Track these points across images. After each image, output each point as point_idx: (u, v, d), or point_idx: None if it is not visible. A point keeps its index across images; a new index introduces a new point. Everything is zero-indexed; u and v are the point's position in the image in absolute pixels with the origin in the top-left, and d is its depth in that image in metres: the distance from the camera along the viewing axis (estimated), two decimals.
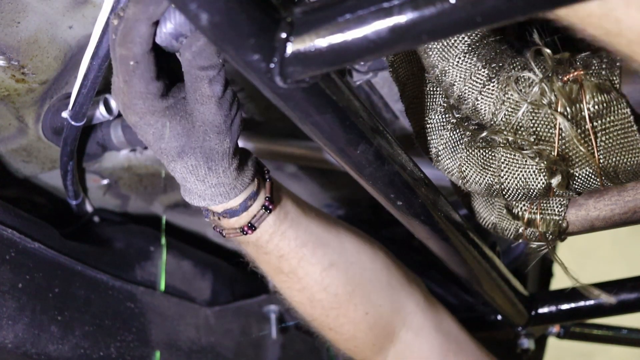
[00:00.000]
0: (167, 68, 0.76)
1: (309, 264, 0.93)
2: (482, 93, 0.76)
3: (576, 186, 0.79)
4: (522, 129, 0.76)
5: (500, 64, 0.75)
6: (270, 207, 0.86)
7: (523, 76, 0.74)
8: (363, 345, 1.03)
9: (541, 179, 0.78)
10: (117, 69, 0.72)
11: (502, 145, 0.79)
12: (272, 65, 0.54)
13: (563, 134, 0.75)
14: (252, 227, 0.86)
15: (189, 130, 0.76)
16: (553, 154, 0.76)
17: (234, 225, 0.86)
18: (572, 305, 1.26)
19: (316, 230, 0.94)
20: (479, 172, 0.82)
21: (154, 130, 0.76)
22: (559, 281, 1.63)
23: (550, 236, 0.89)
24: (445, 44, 0.76)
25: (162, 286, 1.14)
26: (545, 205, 0.88)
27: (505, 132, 0.77)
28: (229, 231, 0.87)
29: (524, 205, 0.88)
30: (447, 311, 1.12)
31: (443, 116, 0.85)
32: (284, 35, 0.53)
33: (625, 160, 0.75)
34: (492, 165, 0.80)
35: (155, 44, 0.71)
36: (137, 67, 0.70)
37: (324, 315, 0.98)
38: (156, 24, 0.69)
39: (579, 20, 0.53)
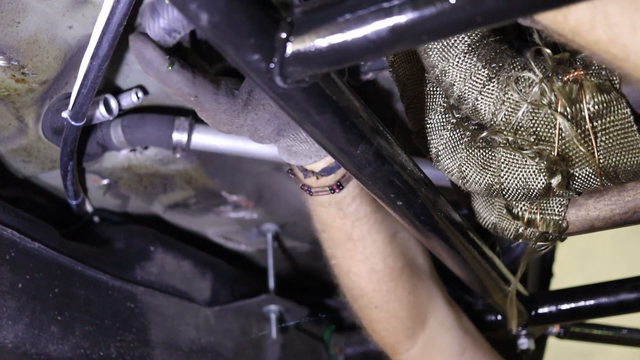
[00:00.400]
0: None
1: (377, 231, 1.00)
2: (482, 93, 0.76)
3: (576, 186, 0.79)
4: (522, 129, 0.76)
5: (500, 64, 0.75)
6: None
7: (523, 76, 0.75)
8: (401, 326, 1.08)
9: (541, 179, 0.78)
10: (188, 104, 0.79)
11: (502, 145, 0.79)
12: (272, 65, 0.54)
13: (563, 134, 0.75)
14: (340, 185, 0.92)
15: (275, 111, 0.81)
16: (553, 154, 0.76)
17: (325, 183, 0.92)
18: (572, 305, 1.26)
19: (377, 204, 0.99)
20: (479, 172, 0.82)
21: (247, 128, 0.81)
22: (559, 281, 1.63)
23: (550, 236, 0.89)
24: (445, 44, 0.76)
25: None
26: (545, 205, 0.88)
27: (505, 132, 0.77)
28: (319, 190, 0.94)
29: (524, 205, 0.88)
30: (463, 312, 1.19)
31: (443, 116, 0.85)
32: (284, 35, 0.53)
33: (625, 160, 0.75)
34: (492, 165, 0.80)
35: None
36: (198, 99, 0.76)
37: (375, 290, 1.04)
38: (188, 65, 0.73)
39: (587, 46, 0.54)
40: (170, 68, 0.73)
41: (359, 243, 1.00)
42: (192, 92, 0.76)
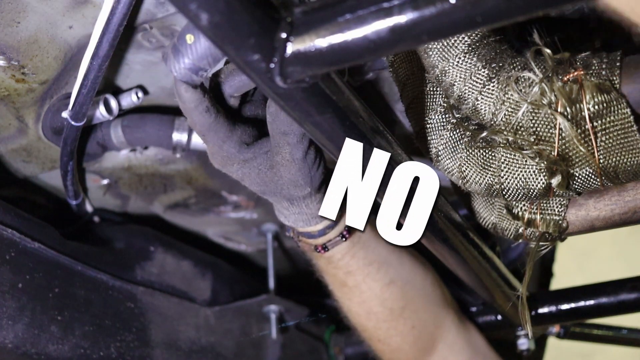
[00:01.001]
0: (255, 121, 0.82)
1: (373, 280, 1.01)
2: (482, 93, 0.76)
3: (576, 186, 0.79)
4: (522, 129, 0.76)
5: (500, 64, 0.75)
6: (347, 235, 0.94)
7: (523, 76, 0.74)
8: (406, 357, 1.11)
9: (541, 179, 0.78)
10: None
11: (502, 145, 0.79)
12: (272, 65, 0.54)
13: (563, 134, 0.75)
14: (325, 248, 0.94)
15: (268, 180, 0.83)
16: (553, 154, 0.76)
17: (309, 243, 0.95)
18: (572, 305, 1.26)
19: (382, 250, 1.02)
20: (479, 172, 0.82)
21: (235, 176, 0.84)
22: (559, 281, 1.63)
23: (550, 236, 0.89)
24: (445, 44, 0.76)
25: None
26: (545, 205, 0.88)
27: (505, 132, 0.77)
28: (306, 247, 0.96)
29: (524, 205, 0.87)
30: (474, 327, 1.21)
31: (443, 116, 0.85)
32: (284, 35, 0.53)
33: (625, 160, 0.75)
34: (492, 165, 0.80)
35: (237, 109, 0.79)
36: (206, 135, 0.79)
37: (376, 327, 1.07)
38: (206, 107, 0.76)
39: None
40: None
41: (354, 289, 1.02)
42: (204, 131, 0.78)
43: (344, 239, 0.94)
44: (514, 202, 0.88)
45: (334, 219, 0.76)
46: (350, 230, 0.94)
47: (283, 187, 0.84)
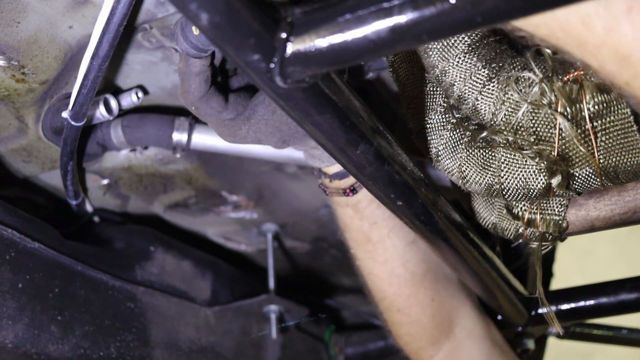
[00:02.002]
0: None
1: (396, 235, 1.01)
2: (482, 93, 0.76)
3: (576, 186, 0.79)
4: (522, 129, 0.76)
5: (501, 64, 0.75)
6: None
7: (523, 76, 0.74)
8: (423, 332, 1.09)
9: (541, 179, 0.78)
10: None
11: (502, 145, 0.79)
12: (272, 65, 0.54)
13: (563, 134, 0.75)
14: (353, 190, 0.95)
15: (279, 125, 0.84)
16: (553, 154, 0.76)
17: (339, 187, 0.95)
18: (572, 305, 1.26)
19: None
20: (479, 172, 0.82)
21: (250, 139, 0.85)
22: (559, 281, 1.63)
23: (550, 236, 0.89)
24: (445, 44, 0.76)
25: None
26: (545, 205, 0.88)
27: (505, 132, 0.77)
28: (334, 192, 0.96)
29: (524, 205, 0.88)
30: (493, 323, 1.18)
31: (443, 116, 0.85)
32: (284, 35, 0.53)
33: (625, 160, 0.75)
34: (492, 165, 0.80)
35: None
36: (199, 107, 0.80)
37: (397, 293, 1.05)
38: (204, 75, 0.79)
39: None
40: None
41: (378, 245, 1.01)
42: (198, 103, 0.80)
43: None
44: (514, 202, 0.88)
45: None
46: None
47: (297, 127, 0.85)
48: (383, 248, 1.02)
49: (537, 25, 0.53)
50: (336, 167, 0.94)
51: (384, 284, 1.05)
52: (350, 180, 0.95)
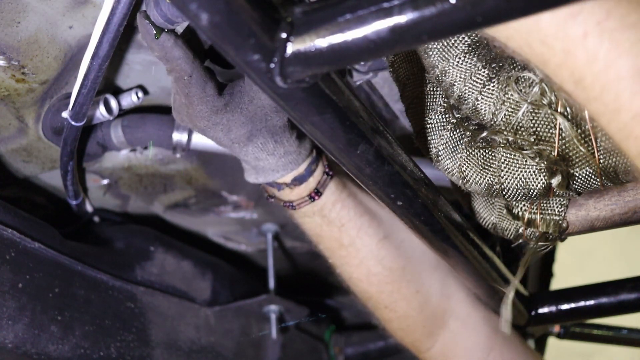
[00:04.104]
0: (217, 69, 0.86)
1: (366, 234, 1.00)
2: (482, 93, 0.76)
3: (576, 186, 0.79)
4: (522, 129, 0.76)
5: (501, 64, 0.75)
6: (331, 172, 0.95)
7: (523, 76, 0.74)
8: (414, 325, 1.08)
9: (541, 179, 0.78)
10: (176, 88, 0.84)
11: (502, 145, 0.79)
12: (272, 65, 0.54)
13: (563, 134, 0.75)
14: (318, 192, 0.95)
15: (251, 116, 0.85)
16: (553, 154, 0.76)
17: (302, 193, 0.95)
18: (572, 305, 1.26)
19: (371, 203, 1.01)
20: (479, 172, 0.82)
21: (222, 127, 0.86)
22: (559, 281, 1.63)
23: (550, 236, 0.89)
24: (446, 44, 0.76)
25: None
26: (545, 205, 0.88)
27: (505, 132, 0.77)
28: (298, 202, 0.96)
29: (524, 205, 0.88)
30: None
31: (443, 116, 0.85)
32: (284, 35, 0.53)
33: (625, 160, 0.75)
34: (492, 165, 0.80)
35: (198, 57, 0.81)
36: (191, 79, 0.81)
37: (379, 291, 1.04)
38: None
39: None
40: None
41: (350, 248, 1.01)
42: (189, 70, 0.80)
43: (329, 177, 0.95)
44: (514, 202, 0.88)
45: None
46: (331, 166, 0.96)
47: (267, 117, 0.86)
48: (355, 250, 1.01)
49: (507, 38, 0.54)
50: (293, 172, 0.92)
51: (365, 285, 1.05)
52: (311, 182, 0.94)
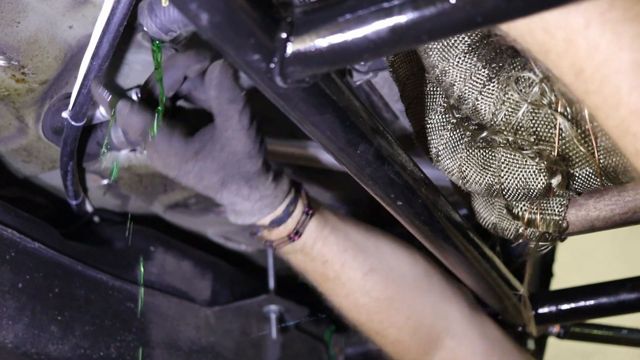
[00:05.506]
0: (190, 115, 0.88)
1: (351, 268, 1.00)
2: (482, 93, 0.76)
3: (576, 186, 0.79)
4: (522, 129, 0.76)
5: (501, 64, 0.75)
6: (310, 211, 0.95)
7: (523, 76, 0.74)
8: (408, 349, 1.08)
9: (541, 179, 0.78)
10: (144, 143, 0.85)
11: (502, 145, 0.79)
12: (272, 65, 0.54)
13: (563, 134, 0.75)
14: (297, 232, 0.95)
15: (223, 163, 0.85)
16: (553, 154, 0.76)
17: (282, 234, 0.95)
18: (572, 305, 1.26)
19: (355, 236, 1.01)
20: (479, 172, 0.82)
21: (193, 175, 0.86)
22: (559, 281, 1.63)
23: (550, 236, 0.89)
24: (446, 44, 0.76)
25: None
26: (545, 205, 0.88)
27: (505, 132, 0.77)
28: (278, 242, 0.96)
29: (524, 205, 0.88)
30: (490, 319, 1.16)
31: (443, 116, 0.85)
32: (284, 35, 0.53)
33: (625, 160, 0.75)
34: (492, 165, 0.80)
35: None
36: (154, 140, 0.82)
37: (369, 320, 1.05)
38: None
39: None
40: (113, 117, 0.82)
41: (336, 281, 1.02)
42: (143, 134, 0.82)
43: (309, 216, 0.95)
44: (514, 202, 0.88)
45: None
46: (311, 206, 0.95)
47: (240, 163, 0.86)
48: (341, 283, 1.02)
49: (509, 26, 0.54)
50: (270, 215, 0.93)
51: (354, 314, 1.06)
52: (290, 223, 0.94)
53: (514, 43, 0.55)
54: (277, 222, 0.93)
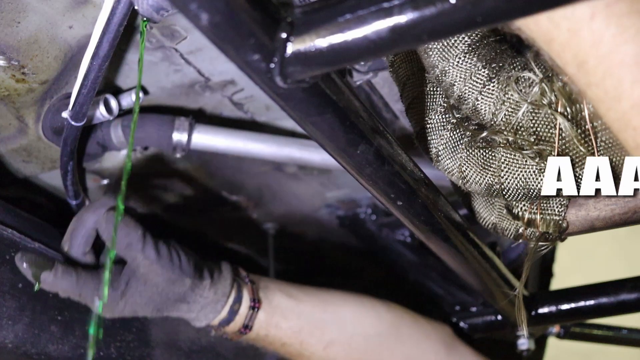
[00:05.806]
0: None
1: (310, 344, 1.04)
2: (482, 93, 0.76)
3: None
4: (522, 129, 0.76)
5: (501, 64, 0.75)
6: (257, 305, 0.99)
7: (523, 76, 0.74)
8: None
9: (541, 179, 0.78)
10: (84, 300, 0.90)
11: (502, 145, 0.79)
12: (272, 65, 0.54)
13: (563, 134, 0.75)
14: (247, 327, 0.99)
15: (151, 295, 0.90)
16: (553, 154, 0.76)
17: (233, 330, 0.99)
18: (572, 305, 1.26)
19: (311, 313, 1.05)
20: (479, 172, 0.82)
21: (128, 312, 0.91)
22: (559, 281, 1.63)
23: (550, 236, 0.89)
24: (446, 44, 0.76)
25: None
26: (545, 205, 0.88)
27: (505, 132, 0.77)
28: (232, 335, 1.01)
29: (524, 205, 0.87)
30: (470, 349, 1.20)
31: (443, 116, 0.85)
32: (284, 35, 0.53)
33: (625, 160, 0.75)
34: (492, 165, 0.80)
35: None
36: (82, 296, 0.87)
37: None
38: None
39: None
40: (37, 286, 0.87)
41: (299, 357, 1.06)
42: (77, 290, 0.87)
43: (256, 310, 0.99)
44: (514, 202, 0.88)
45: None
46: (257, 299, 0.99)
47: (167, 290, 0.90)
48: (305, 357, 1.06)
49: None
50: (218, 317, 0.97)
51: None
52: (238, 321, 0.99)
53: (519, 31, 0.55)
54: (225, 322, 0.98)
